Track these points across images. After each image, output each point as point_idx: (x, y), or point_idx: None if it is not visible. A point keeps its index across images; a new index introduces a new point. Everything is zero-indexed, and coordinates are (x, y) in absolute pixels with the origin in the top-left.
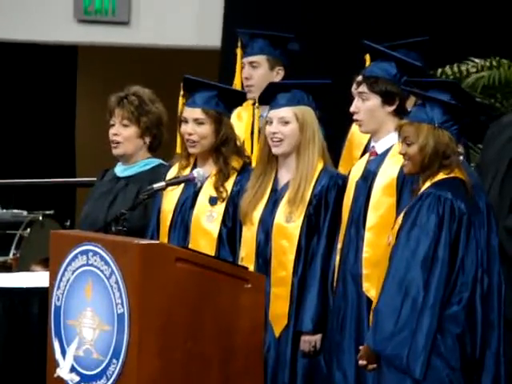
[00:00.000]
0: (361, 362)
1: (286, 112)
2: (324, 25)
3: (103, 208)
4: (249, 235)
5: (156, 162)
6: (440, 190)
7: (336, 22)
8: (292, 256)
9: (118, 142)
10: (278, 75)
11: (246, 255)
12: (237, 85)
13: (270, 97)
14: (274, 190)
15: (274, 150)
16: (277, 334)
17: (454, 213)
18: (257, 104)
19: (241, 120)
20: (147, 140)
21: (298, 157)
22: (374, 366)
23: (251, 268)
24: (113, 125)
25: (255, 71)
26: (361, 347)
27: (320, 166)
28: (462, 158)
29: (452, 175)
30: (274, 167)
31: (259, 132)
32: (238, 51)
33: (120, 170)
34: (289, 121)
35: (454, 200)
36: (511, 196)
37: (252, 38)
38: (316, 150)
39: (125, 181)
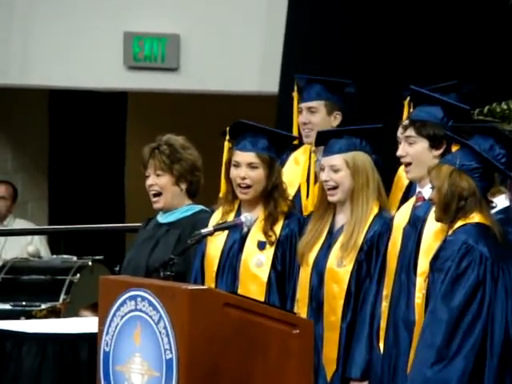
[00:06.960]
0: None
1: (336, 160)
2: (371, 70)
3: (145, 254)
4: (304, 277)
5: (197, 208)
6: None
7: (383, 67)
8: (341, 301)
9: (156, 195)
10: (335, 120)
11: (301, 298)
12: (294, 129)
13: (322, 143)
14: (330, 233)
15: (329, 198)
16: (328, 379)
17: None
18: (314, 148)
19: (298, 164)
20: (183, 187)
21: (352, 202)
22: None
23: (304, 311)
24: (148, 176)
25: (313, 116)
26: None
27: (375, 210)
28: (506, 199)
29: (472, 221)
30: (332, 210)
31: (316, 176)
32: (295, 95)
33: (162, 217)
34: (339, 168)
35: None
36: None
37: (309, 83)
38: (370, 195)
39: (166, 227)
